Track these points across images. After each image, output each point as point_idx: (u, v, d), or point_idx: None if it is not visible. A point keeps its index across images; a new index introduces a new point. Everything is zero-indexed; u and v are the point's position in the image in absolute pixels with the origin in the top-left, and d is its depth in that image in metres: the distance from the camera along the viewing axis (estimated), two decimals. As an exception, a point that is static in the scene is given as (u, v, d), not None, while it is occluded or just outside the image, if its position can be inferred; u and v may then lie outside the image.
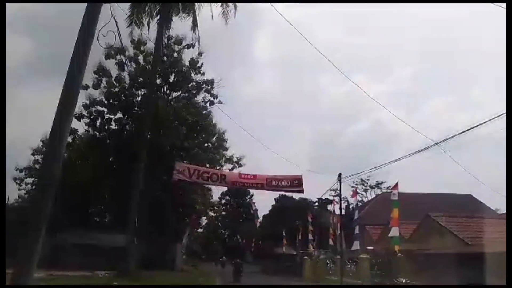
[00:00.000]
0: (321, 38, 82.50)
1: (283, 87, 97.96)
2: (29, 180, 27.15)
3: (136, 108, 26.41)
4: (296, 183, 20.85)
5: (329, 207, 40.52)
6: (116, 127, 26.55)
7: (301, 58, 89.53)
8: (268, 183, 20.84)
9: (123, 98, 25.84)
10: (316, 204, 54.69)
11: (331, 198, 39.95)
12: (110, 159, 26.84)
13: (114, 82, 25.68)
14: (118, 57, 24.90)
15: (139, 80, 26.33)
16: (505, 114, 10.40)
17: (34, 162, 27.29)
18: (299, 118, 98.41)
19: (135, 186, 17.46)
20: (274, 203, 58.47)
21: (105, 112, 26.05)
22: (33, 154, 27.25)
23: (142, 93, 26.35)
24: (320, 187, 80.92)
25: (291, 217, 48.42)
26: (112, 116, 26.19)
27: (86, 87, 24.42)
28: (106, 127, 26.37)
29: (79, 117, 24.99)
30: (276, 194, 52.68)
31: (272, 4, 16.03)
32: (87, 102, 25.04)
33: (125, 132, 26.91)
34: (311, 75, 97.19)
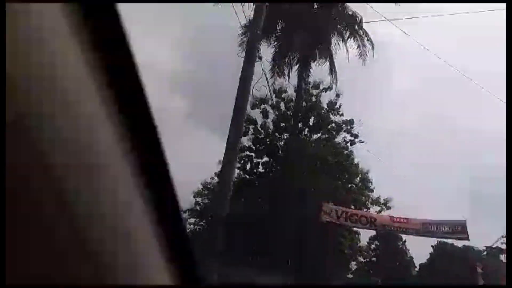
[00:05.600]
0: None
1: (428, 119, 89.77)
2: (192, 220, 30.85)
3: (280, 152, 28.02)
4: (458, 229, 18.71)
5: (502, 257, 34.67)
6: (264, 170, 28.43)
7: (442, 85, 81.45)
8: (425, 229, 19.25)
9: (268, 143, 27.73)
10: (485, 253, 47.21)
11: (503, 247, 34.20)
12: (259, 200, 28.56)
13: (260, 129, 27.88)
14: (262, 106, 27.22)
15: (282, 126, 28.12)
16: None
17: (196, 204, 30.99)
18: (449, 152, 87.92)
19: (285, 227, 18.14)
20: (431, 250, 52.68)
21: (253, 157, 28.28)
22: (194, 197, 31.02)
23: (285, 137, 28.00)
24: (487, 233, 69.37)
25: (455, 267, 42.87)
26: (260, 160, 28.21)
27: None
28: (255, 170, 28.43)
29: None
30: (433, 240, 47.55)
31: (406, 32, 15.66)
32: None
33: (270, 174, 28.62)
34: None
